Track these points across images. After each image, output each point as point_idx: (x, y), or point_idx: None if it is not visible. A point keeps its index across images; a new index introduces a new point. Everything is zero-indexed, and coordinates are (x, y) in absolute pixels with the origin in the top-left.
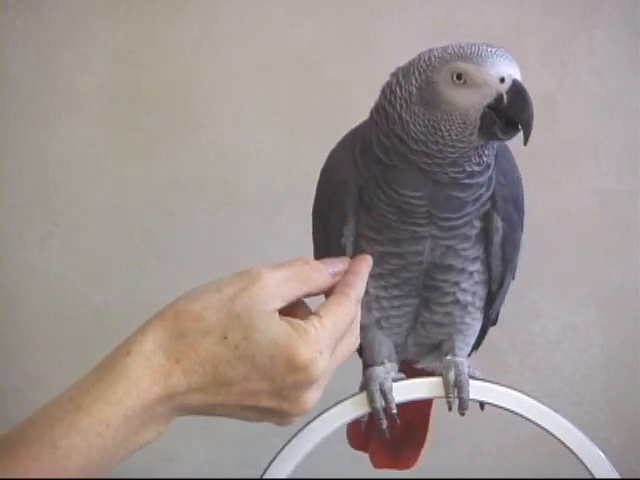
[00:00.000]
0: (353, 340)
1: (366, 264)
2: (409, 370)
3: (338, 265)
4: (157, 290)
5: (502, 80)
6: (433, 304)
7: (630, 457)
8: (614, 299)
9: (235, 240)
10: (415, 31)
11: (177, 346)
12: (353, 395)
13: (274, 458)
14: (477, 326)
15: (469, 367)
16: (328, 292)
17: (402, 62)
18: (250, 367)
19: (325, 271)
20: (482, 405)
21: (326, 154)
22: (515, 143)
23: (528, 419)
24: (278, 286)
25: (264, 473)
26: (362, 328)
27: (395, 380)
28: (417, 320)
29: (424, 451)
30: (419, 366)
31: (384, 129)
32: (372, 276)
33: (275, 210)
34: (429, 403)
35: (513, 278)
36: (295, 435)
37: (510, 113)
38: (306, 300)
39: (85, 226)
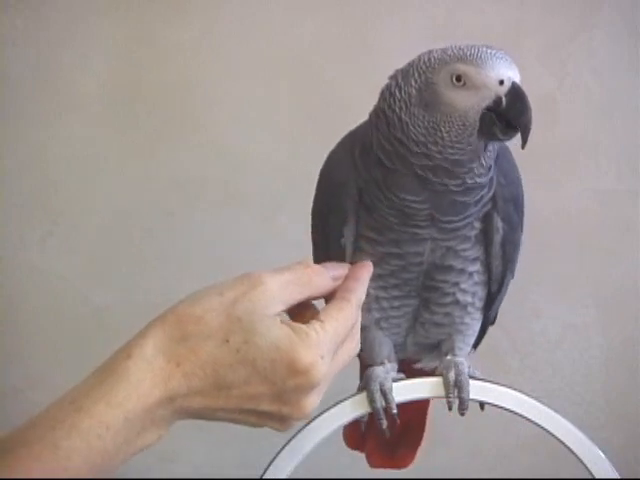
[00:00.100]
0: (353, 345)
1: (367, 270)
2: (408, 370)
3: (339, 269)
4: (157, 290)
5: (501, 82)
6: (433, 304)
7: (630, 457)
8: (614, 299)
9: (235, 240)
10: (415, 31)
11: (178, 349)
12: (353, 395)
13: (274, 458)
14: (477, 326)
15: (469, 367)
16: (328, 297)
17: (402, 62)
18: (251, 371)
19: (326, 275)
20: (482, 405)
21: (326, 154)
22: (515, 144)
23: (528, 419)
24: (279, 290)
25: (264, 473)
26: (362, 328)
27: (395, 380)
28: (416, 320)
29: (424, 451)
30: (418, 366)
31: (385, 133)
32: (372, 277)
33: (275, 210)
34: (426, 403)
35: (512, 277)
36: (295, 435)
37: (509, 116)
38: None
39: (85, 226)
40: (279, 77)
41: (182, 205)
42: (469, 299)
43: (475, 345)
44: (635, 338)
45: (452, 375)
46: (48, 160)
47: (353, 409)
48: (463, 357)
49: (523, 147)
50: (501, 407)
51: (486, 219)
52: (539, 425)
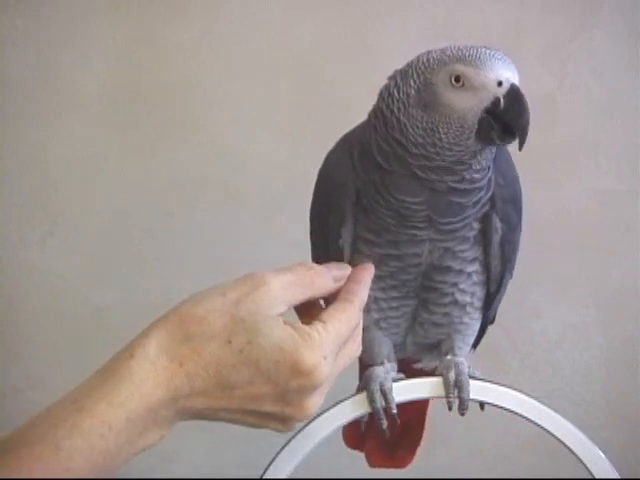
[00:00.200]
0: (355, 347)
1: (368, 273)
2: (408, 370)
3: (341, 270)
4: (157, 290)
5: (500, 84)
6: (431, 305)
7: (630, 457)
8: (614, 299)
9: (235, 240)
10: (415, 31)
11: (181, 350)
12: (353, 395)
13: (274, 458)
14: (476, 326)
15: (469, 367)
16: (330, 298)
17: (402, 62)
18: (254, 371)
19: (328, 276)
20: (482, 405)
21: (326, 154)
22: (514, 144)
23: (528, 419)
24: (282, 290)
25: (264, 473)
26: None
27: (395, 380)
28: (415, 320)
29: (424, 451)
30: (418, 366)
31: (383, 134)
32: None
33: (275, 210)
34: (426, 403)
35: (511, 277)
36: (295, 435)
37: (506, 118)
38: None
39: (85, 226)
40: (279, 77)
41: (182, 205)
42: (468, 299)
43: (475, 344)
44: (635, 338)
45: (452, 375)
46: (48, 160)
47: (353, 409)
48: (463, 357)
49: (520, 149)
50: (501, 407)
51: (485, 219)
52: (539, 425)
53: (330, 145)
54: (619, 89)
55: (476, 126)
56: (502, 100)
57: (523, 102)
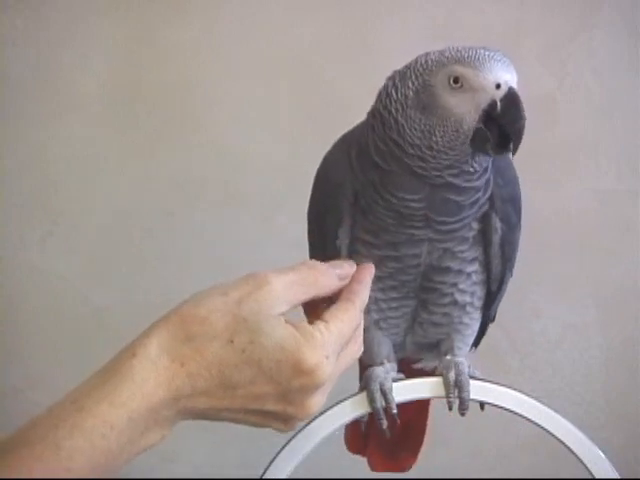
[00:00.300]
0: (357, 348)
1: (369, 273)
2: (408, 370)
3: (346, 268)
4: (157, 290)
5: (498, 86)
6: (431, 305)
7: (630, 457)
8: (614, 299)
9: (235, 240)
10: (415, 31)
11: (182, 349)
12: (353, 395)
13: (274, 458)
14: (476, 325)
15: (469, 367)
16: (334, 296)
17: (402, 63)
18: (256, 371)
19: (333, 274)
20: (482, 405)
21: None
22: None
23: (528, 419)
24: (284, 290)
25: (264, 473)
26: None
27: (395, 380)
28: (415, 320)
29: (424, 451)
30: (418, 366)
31: (381, 134)
32: None
33: (275, 210)
34: (427, 405)
35: (511, 276)
36: (295, 435)
37: (502, 121)
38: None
39: (85, 226)
40: (279, 77)
41: (182, 205)
42: (467, 299)
43: (475, 344)
44: (635, 338)
45: (452, 375)
46: (48, 160)
47: (353, 409)
48: (463, 357)
49: (513, 154)
50: (501, 407)
51: (484, 219)
52: (539, 425)
53: (330, 145)
54: (619, 89)
55: (472, 132)
56: (499, 103)
57: (520, 107)
